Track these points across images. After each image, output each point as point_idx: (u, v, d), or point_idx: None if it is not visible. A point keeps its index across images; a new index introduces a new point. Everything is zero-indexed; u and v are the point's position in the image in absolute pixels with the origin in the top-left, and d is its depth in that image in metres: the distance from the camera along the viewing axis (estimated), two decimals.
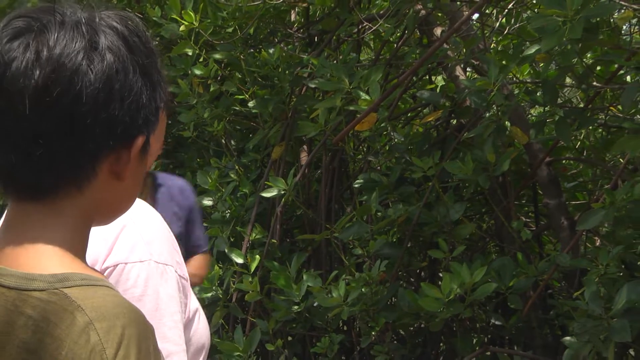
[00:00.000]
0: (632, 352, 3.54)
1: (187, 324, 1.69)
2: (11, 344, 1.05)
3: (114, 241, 1.53)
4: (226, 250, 3.55)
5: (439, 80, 4.15)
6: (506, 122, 3.34)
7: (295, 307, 3.41)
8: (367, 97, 3.15)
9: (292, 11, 3.97)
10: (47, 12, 1.08)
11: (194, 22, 3.34)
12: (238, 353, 3.37)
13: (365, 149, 4.14)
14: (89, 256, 1.53)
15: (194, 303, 1.78)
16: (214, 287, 3.50)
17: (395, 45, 3.85)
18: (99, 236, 1.62)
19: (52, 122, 1.05)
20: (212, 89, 3.64)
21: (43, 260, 1.08)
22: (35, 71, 1.03)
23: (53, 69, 1.04)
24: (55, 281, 1.05)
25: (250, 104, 3.57)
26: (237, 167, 3.73)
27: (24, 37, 1.06)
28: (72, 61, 1.04)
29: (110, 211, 1.19)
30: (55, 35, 1.06)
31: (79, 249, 1.13)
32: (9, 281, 1.07)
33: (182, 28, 3.30)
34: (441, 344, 4.11)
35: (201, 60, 3.53)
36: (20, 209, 1.12)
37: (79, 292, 1.04)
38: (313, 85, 3.43)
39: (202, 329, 1.77)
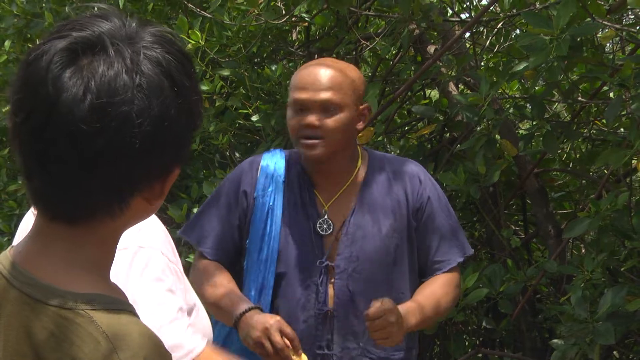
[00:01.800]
0: (616, 353, 3.57)
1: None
2: (28, 355, 1.05)
3: None
4: None
5: (433, 95, 4.17)
6: (496, 136, 3.40)
7: None
8: None
9: (294, 30, 4.05)
10: (94, 34, 1.04)
11: (200, 41, 3.43)
12: None
13: None
14: None
15: (191, 298, 1.85)
16: None
17: (391, 62, 3.94)
18: None
19: (93, 164, 1.02)
20: (217, 104, 3.70)
21: (71, 277, 1.07)
22: (84, 103, 0.99)
23: (100, 114, 1.00)
24: (82, 302, 1.04)
25: (254, 118, 3.64)
26: None
27: (76, 66, 1.01)
28: (120, 109, 1.01)
29: (131, 225, 1.17)
30: (102, 68, 1.01)
31: (106, 267, 1.13)
32: (37, 293, 1.06)
33: (189, 46, 3.39)
34: (435, 346, 4.13)
35: (207, 76, 3.61)
36: (53, 226, 1.09)
37: (105, 317, 1.03)
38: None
39: (199, 324, 1.83)
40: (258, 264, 2.39)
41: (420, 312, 2.28)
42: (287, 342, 2.13)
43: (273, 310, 2.36)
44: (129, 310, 1.07)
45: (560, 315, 3.01)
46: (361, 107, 2.39)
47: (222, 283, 2.35)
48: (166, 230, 1.86)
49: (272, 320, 2.15)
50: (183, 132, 1.07)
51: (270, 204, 2.40)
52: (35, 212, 1.13)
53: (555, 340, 2.94)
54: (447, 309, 2.42)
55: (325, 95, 2.30)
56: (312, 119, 2.30)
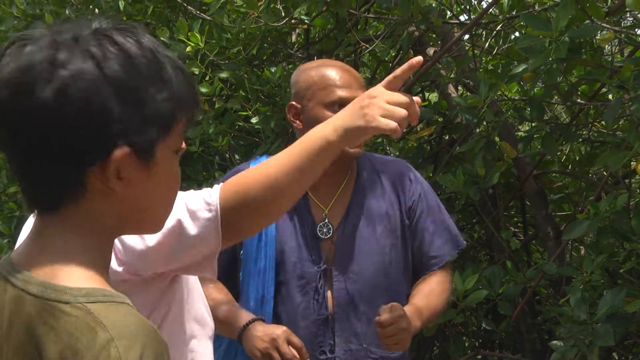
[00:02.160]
0: (615, 355, 3.57)
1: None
2: (29, 352, 1.08)
3: None
4: None
5: (432, 97, 4.18)
6: (496, 138, 3.41)
7: None
8: None
9: (293, 33, 4.05)
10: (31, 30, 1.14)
11: (200, 43, 3.43)
12: None
13: None
14: None
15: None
16: None
17: (390, 64, 3.95)
18: None
19: (22, 144, 1.09)
20: (217, 106, 3.70)
21: (66, 272, 1.10)
22: (3, 87, 1.10)
23: (16, 83, 1.09)
24: (79, 295, 1.07)
25: (254, 120, 3.64)
26: None
27: (8, 50, 1.13)
28: (32, 72, 1.07)
29: (129, 220, 1.19)
30: (30, 47, 1.10)
31: (100, 263, 1.15)
32: (35, 289, 1.09)
33: (188, 49, 3.39)
34: (435, 348, 4.13)
35: (207, 79, 3.60)
36: (39, 221, 1.16)
37: (102, 308, 1.06)
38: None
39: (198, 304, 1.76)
40: (255, 274, 2.38)
41: (422, 314, 2.32)
42: (295, 352, 2.13)
43: (274, 319, 2.35)
44: (125, 302, 1.09)
45: (559, 316, 3.01)
46: None
47: (218, 295, 2.34)
48: None
49: (279, 331, 2.15)
50: (105, 110, 1.08)
51: None
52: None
53: (554, 342, 2.94)
54: (445, 306, 2.46)
55: (361, 93, 2.31)
56: None
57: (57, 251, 1.12)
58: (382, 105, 1.52)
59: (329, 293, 2.37)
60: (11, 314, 1.11)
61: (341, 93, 2.33)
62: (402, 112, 1.51)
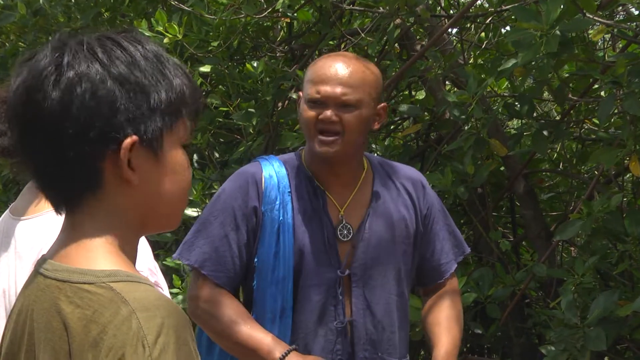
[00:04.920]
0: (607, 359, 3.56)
1: None
2: (57, 330, 1.14)
3: None
4: None
5: (420, 94, 4.15)
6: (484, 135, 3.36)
7: None
8: None
9: (275, 26, 3.99)
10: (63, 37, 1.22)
11: (178, 35, 3.34)
12: None
13: None
14: None
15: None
16: None
17: (375, 59, 3.88)
18: None
19: (38, 139, 1.17)
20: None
21: (92, 257, 1.17)
22: (17, 91, 1.18)
23: (25, 88, 1.17)
24: (103, 276, 1.14)
25: (234, 116, 3.57)
26: (220, 180, 3.71)
27: (27, 62, 1.20)
28: (38, 78, 1.16)
29: (146, 216, 1.24)
30: (42, 53, 1.18)
31: (125, 251, 1.21)
32: (62, 275, 1.17)
33: (165, 40, 3.30)
34: (422, 351, 4.10)
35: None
36: (66, 219, 1.23)
37: (124, 286, 1.13)
38: (296, 97, 3.44)
39: None
40: (273, 283, 2.25)
41: (457, 346, 2.33)
42: None
43: (294, 327, 2.27)
44: (147, 282, 1.17)
45: (549, 320, 3.01)
46: (379, 106, 2.28)
47: (240, 318, 2.21)
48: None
49: None
50: (111, 96, 1.16)
51: (280, 218, 2.25)
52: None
53: (547, 346, 2.93)
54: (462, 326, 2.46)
55: (345, 91, 2.18)
56: (329, 113, 2.18)
57: (83, 242, 1.19)
58: None
59: (347, 299, 2.28)
60: (43, 301, 1.18)
61: (315, 88, 2.20)
62: None
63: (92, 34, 1.21)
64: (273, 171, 2.28)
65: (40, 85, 1.15)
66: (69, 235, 1.22)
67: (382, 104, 2.29)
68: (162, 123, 1.20)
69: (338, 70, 2.20)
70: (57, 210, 1.23)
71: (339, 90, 2.17)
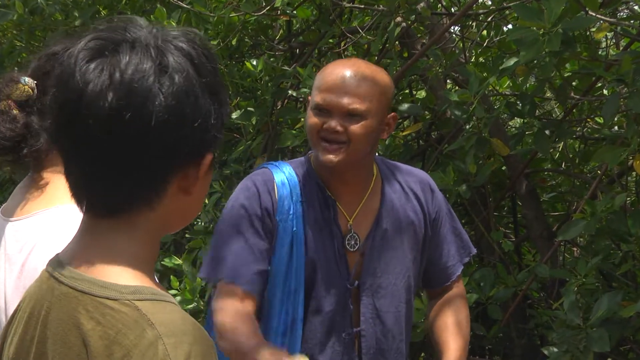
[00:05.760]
0: None
1: None
2: (76, 348, 1.09)
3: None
4: None
5: (420, 94, 4.14)
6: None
7: None
8: None
9: (275, 24, 3.96)
10: (119, 33, 1.12)
11: None
12: None
13: None
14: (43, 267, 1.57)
15: None
16: (195, 299, 3.46)
17: (376, 57, 3.85)
18: (51, 248, 1.63)
19: (124, 145, 1.08)
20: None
21: (116, 270, 1.12)
22: (108, 95, 1.06)
23: (126, 93, 1.07)
24: (127, 293, 1.09)
25: (234, 115, 3.54)
26: (220, 180, 3.69)
27: (99, 60, 1.09)
28: (143, 85, 1.07)
29: (178, 223, 1.22)
30: (127, 58, 1.08)
31: (149, 261, 1.17)
32: (83, 285, 1.11)
33: None
34: (422, 353, 4.09)
35: None
36: (96, 223, 1.16)
37: (150, 306, 1.08)
38: (296, 95, 3.42)
39: None
40: (285, 295, 2.21)
41: (466, 352, 2.30)
42: None
43: (303, 339, 2.22)
44: (172, 301, 1.12)
45: (552, 321, 2.99)
46: (388, 116, 2.22)
47: (243, 326, 2.11)
48: None
49: None
50: (208, 111, 1.12)
51: (294, 229, 2.20)
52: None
53: (549, 347, 2.91)
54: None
55: (351, 101, 2.11)
56: (334, 124, 2.11)
57: (111, 251, 1.14)
58: None
59: (356, 309, 2.25)
60: (59, 311, 1.13)
61: (318, 97, 2.15)
62: None
63: (155, 28, 1.14)
64: (285, 178, 2.23)
65: (147, 87, 1.08)
66: (95, 241, 1.15)
67: (392, 114, 2.23)
68: (221, 137, 1.19)
69: (346, 78, 2.13)
70: (90, 209, 1.16)
71: (345, 100, 2.11)
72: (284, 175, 2.24)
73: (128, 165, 1.10)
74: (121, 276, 1.11)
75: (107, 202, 1.14)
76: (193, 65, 1.11)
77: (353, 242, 2.24)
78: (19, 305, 1.23)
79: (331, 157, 2.14)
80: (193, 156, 1.13)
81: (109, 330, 1.06)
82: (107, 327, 1.07)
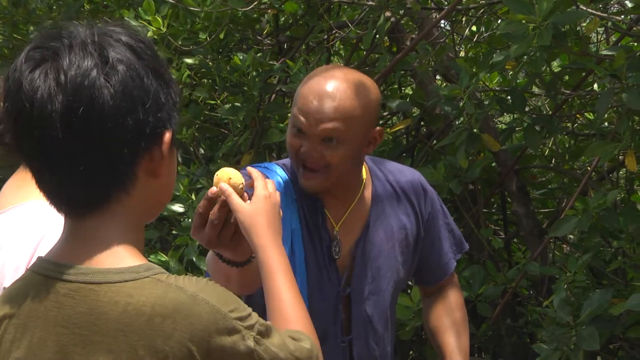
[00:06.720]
0: (599, 359, 3.54)
1: None
2: (109, 332, 1.13)
3: (34, 250, 1.59)
4: (194, 259, 3.48)
5: (409, 89, 4.13)
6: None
7: None
8: None
9: (262, 18, 3.92)
10: (55, 39, 1.17)
11: (162, 28, 3.26)
12: None
13: None
14: (11, 264, 1.60)
15: None
16: None
17: (364, 52, 3.83)
18: (19, 245, 1.61)
19: (85, 139, 1.14)
20: (183, 94, 3.59)
21: (121, 256, 1.18)
22: (58, 96, 1.13)
23: (73, 91, 1.13)
24: (142, 270, 1.15)
25: (220, 111, 3.50)
26: (207, 176, 3.66)
27: (42, 67, 1.15)
28: (88, 80, 1.13)
29: (154, 208, 1.27)
30: (68, 59, 1.14)
31: (140, 247, 1.23)
32: (97, 277, 1.15)
33: (149, 33, 3.23)
34: (411, 352, 4.09)
35: (174, 64, 3.44)
36: (80, 223, 1.21)
37: (167, 277, 1.15)
38: (286, 89, 3.39)
39: None
40: None
41: (467, 353, 2.30)
42: None
43: None
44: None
45: (542, 319, 2.98)
46: (374, 130, 2.11)
47: None
48: None
49: None
50: (155, 90, 1.18)
51: (293, 227, 2.14)
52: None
53: (539, 345, 2.88)
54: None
55: (327, 126, 1.99)
56: (310, 149, 2.01)
57: (101, 242, 1.18)
58: None
59: (347, 316, 2.21)
60: (71, 306, 1.15)
61: (296, 116, 2.03)
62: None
63: (90, 27, 1.20)
64: (280, 178, 2.16)
65: (92, 80, 1.14)
66: (86, 238, 1.20)
67: (378, 128, 2.13)
68: (177, 115, 1.25)
69: (324, 100, 1.99)
70: (71, 211, 1.21)
71: (320, 127, 1.99)
72: (277, 174, 2.18)
73: (95, 158, 1.15)
74: (129, 259, 1.17)
75: (87, 201, 1.19)
76: (133, 52, 1.18)
77: (337, 249, 2.19)
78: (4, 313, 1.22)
79: (309, 183, 2.07)
80: (153, 136, 1.18)
81: (143, 307, 1.11)
82: (140, 304, 1.12)
